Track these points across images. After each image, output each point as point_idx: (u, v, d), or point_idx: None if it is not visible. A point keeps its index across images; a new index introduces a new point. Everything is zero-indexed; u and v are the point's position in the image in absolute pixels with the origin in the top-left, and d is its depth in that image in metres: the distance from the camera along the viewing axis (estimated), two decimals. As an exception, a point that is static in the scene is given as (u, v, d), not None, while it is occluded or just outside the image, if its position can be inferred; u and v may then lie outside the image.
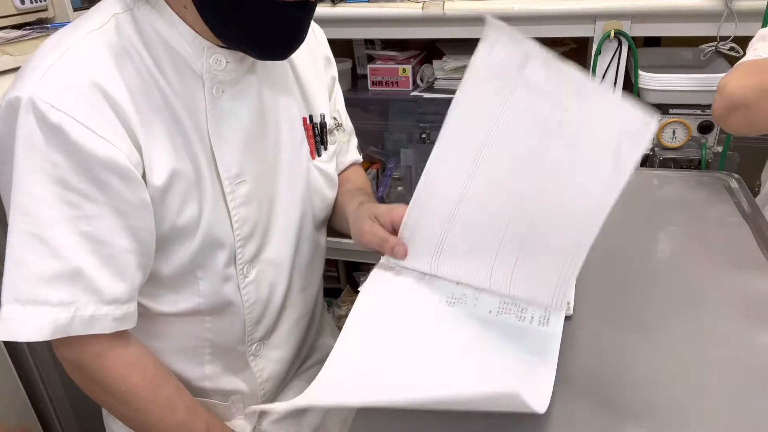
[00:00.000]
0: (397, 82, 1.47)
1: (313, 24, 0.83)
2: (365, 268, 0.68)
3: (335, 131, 0.84)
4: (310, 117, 0.79)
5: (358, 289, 0.67)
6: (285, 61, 0.76)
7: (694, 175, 0.93)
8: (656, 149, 1.27)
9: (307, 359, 0.93)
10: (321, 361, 0.92)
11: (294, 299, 0.82)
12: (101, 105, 0.58)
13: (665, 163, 1.26)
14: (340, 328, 0.62)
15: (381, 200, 1.61)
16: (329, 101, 0.84)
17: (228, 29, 0.62)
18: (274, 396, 0.86)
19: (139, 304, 0.69)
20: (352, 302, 0.64)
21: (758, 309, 0.62)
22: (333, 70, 0.88)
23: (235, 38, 0.63)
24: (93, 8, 0.65)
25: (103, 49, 0.60)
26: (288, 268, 0.78)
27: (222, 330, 0.75)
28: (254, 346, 0.78)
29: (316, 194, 0.81)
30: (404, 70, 1.45)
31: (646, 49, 1.38)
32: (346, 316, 0.62)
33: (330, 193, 0.83)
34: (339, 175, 0.89)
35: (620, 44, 1.18)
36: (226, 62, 0.66)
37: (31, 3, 1.24)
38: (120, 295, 0.62)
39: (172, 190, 0.64)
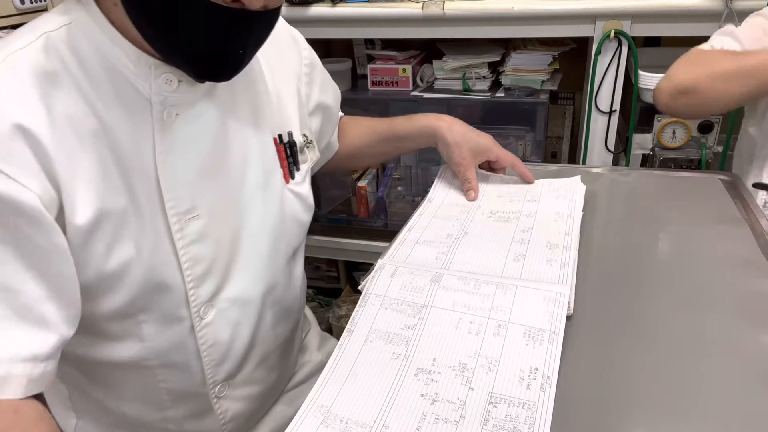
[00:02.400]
0: (397, 82, 1.47)
1: (293, 31, 0.80)
2: (365, 268, 0.68)
3: (305, 149, 0.78)
4: (280, 137, 0.73)
5: (359, 288, 0.66)
6: (257, 72, 0.71)
7: (694, 175, 0.93)
8: (656, 149, 1.27)
9: (288, 382, 0.89)
10: (305, 380, 0.90)
11: (264, 336, 0.75)
12: (12, 140, 0.51)
13: (665, 163, 1.26)
14: (340, 328, 0.62)
15: (381, 200, 1.61)
16: (300, 117, 0.78)
17: (159, 37, 0.55)
18: None
19: (75, 354, 0.64)
20: (352, 302, 0.64)
21: (758, 309, 0.62)
22: (319, 77, 0.84)
23: (168, 49, 0.56)
24: (26, 25, 0.58)
25: (23, 74, 0.53)
26: (257, 305, 0.72)
27: (177, 376, 0.68)
28: (217, 388, 0.72)
29: (292, 220, 0.75)
30: (404, 70, 1.45)
31: (646, 49, 1.38)
32: (346, 316, 0.62)
33: (306, 217, 0.78)
34: (341, 126, 0.94)
35: (620, 44, 1.18)
36: (178, 82, 0.59)
37: (31, 3, 1.24)
38: (38, 351, 0.53)
39: (99, 231, 0.57)
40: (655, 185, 0.93)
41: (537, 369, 0.54)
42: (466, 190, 0.86)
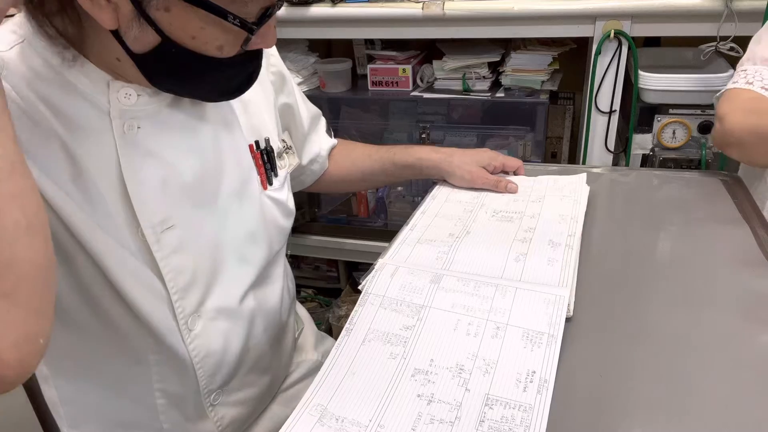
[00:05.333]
0: (397, 82, 1.47)
1: None
2: (365, 268, 0.68)
3: (284, 155, 0.79)
4: (257, 143, 0.73)
5: (359, 288, 0.67)
6: None
7: (694, 175, 0.93)
8: (656, 149, 1.27)
9: (283, 381, 0.89)
10: (301, 379, 0.91)
11: (256, 342, 0.75)
12: None
13: (665, 163, 1.26)
14: (340, 328, 0.62)
15: (381, 200, 1.61)
16: (276, 122, 0.79)
17: (175, 85, 0.59)
18: None
19: (68, 354, 0.65)
20: (352, 302, 0.64)
21: (758, 309, 0.62)
22: (288, 85, 0.84)
23: (183, 91, 0.60)
24: None
25: None
26: (244, 312, 0.71)
27: (172, 378, 0.69)
28: (212, 396, 0.72)
29: (272, 226, 0.75)
30: (404, 70, 1.45)
31: (646, 49, 1.38)
32: (346, 316, 0.63)
33: (285, 223, 0.78)
34: (332, 157, 0.96)
35: (620, 44, 1.18)
36: (137, 96, 0.59)
37: None
38: None
39: (80, 251, 0.58)
40: (655, 185, 0.93)
41: (534, 372, 0.54)
42: (503, 189, 0.87)
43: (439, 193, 0.89)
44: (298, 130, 0.89)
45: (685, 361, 0.56)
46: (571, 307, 0.61)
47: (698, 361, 0.56)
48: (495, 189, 0.88)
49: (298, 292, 1.93)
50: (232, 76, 0.60)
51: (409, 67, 1.45)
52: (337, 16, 1.30)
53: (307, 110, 0.90)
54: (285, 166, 0.78)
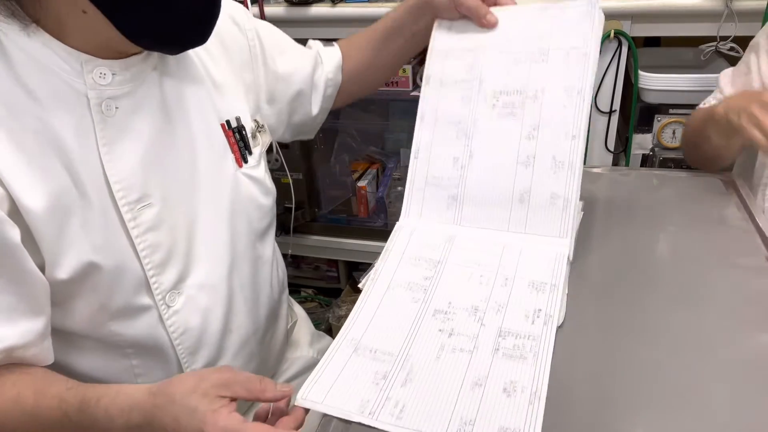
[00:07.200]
0: (397, 82, 1.47)
1: (233, 12, 0.79)
2: (365, 268, 0.68)
3: (257, 134, 0.79)
4: (228, 122, 0.74)
5: (359, 287, 0.67)
6: (196, 63, 0.71)
7: (694, 175, 0.93)
8: (656, 149, 1.27)
9: (277, 376, 0.89)
10: (297, 376, 0.90)
11: (239, 322, 0.75)
12: None
13: (665, 163, 1.26)
14: (339, 328, 0.62)
15: (381, 200, 1.61)
16: (246, 103, 0.79)
17: (136, 18, 0.56)
18: None
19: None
20: (352, 302, 0.64)
21: (758, 309, 0.62)
22: (267, 44, 0.81)
23: (144, 29, 0.57)
24: None
25: None
26: (224, 289, 0.72)
27: (153, 368, 0.69)
28: None
29: (251, 204, 0.76)
30: (404, 70, 1.45)
31: (646, 49, 1.38)
32: (346, 316, 0.63)
33: (266, 201, 0.79)
34: (345, 52, 0.94)
35: (620, 44, 1.18)
36: (112, 75, 0.60)
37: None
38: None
39: (53, 225, 0.57)
40: (655, 185, 0.93)
41: (540, 309, 0.62)
42: (484, 15, 0.76)
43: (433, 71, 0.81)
44: (304, 79, 0.87)
45: (685, 361, 0.56)
46: (571, 255, 0.68)
47: (698, 361, 0.56)
48: (475, 14, 0.77)
49: (298, 291, 1.94)
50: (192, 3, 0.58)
51: (409, 67, 1.45)
52: (337, 16, 1.30)
53: (300, 55, 0.88)
54: (258, 145, 0.79)
